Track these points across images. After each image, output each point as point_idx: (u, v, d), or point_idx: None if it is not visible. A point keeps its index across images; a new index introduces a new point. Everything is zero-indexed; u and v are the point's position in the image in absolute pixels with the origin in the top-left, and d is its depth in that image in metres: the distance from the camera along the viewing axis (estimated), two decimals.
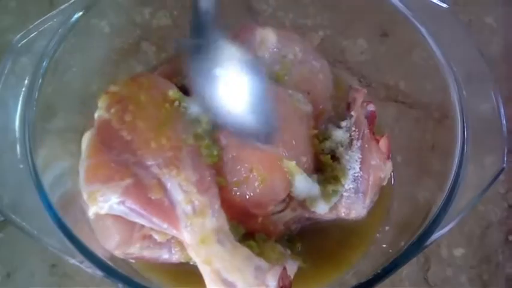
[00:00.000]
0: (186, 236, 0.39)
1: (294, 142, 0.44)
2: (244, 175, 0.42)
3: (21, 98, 0.43)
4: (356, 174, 0.45)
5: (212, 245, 0.39)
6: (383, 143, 0.48)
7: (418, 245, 0.38)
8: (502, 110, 0.43)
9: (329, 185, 0.44)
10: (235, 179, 0.42)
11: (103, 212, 0.40)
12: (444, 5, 0.46)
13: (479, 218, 0.55)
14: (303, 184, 0.43)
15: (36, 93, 0.43)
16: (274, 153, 0.43)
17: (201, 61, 0.41)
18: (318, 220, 0.46)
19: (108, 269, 0.38)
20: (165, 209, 0.39)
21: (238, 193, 0.42)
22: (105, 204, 0.39)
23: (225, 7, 0.58)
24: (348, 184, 0.44)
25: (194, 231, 0.39)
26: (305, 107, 0.46)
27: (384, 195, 0.48)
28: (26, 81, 0.43)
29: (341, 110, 0.51)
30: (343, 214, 0.45)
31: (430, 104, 0.53)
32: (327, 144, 0.46)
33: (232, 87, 0.41)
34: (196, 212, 0.39)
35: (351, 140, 0.46)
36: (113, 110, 0.42)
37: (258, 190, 0.42)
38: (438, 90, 0.49)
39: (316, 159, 0.46)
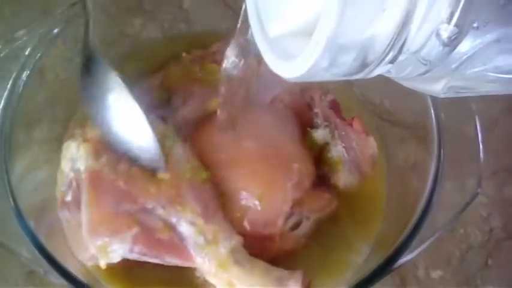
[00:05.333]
0: (203, 266, 0.40)
1: (276, 151, 0.44)
2: (243, 199, 0.42)
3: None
4: (347, 165, 0.46)
5: (231, 268, 0.40)
6: (356, 123, 0.49)
7: (384, 267, 0.38)
8: (479, 134, 0.43)
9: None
10: (237, 207, 0.42)
11: (115, 261, 0.40)
12: None
13: (459, 240, 0.54)
14: None
15: (15, 103, 0.43)
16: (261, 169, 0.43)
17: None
18: None
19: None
20: (177, 246, 0.40)
21: (245, 219, 0.42)
22: (115, 254, 0.40)
23: None
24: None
25: (211, 259, 0.40)
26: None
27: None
28: (6, 92, 0.43)
29: None
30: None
31: (415, 123, 0.53)
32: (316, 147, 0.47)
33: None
34: (209, 240, 0.40)
35: (333, 133, 0.47)
36: (103, 160, 0.41)
37: (259, 208, 0.42)
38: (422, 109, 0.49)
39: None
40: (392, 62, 0.23)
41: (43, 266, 0.38)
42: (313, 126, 0.47)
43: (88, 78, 0.40)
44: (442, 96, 0.26)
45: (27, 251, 0.39)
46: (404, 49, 0.22)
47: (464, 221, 0.55)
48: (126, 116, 0.40)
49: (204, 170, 0.42)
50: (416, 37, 0.21)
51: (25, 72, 0.44)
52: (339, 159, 0.46)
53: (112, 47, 0.58)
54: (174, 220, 0.40)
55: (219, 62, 0.48)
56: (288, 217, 0.44)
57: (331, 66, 0.22)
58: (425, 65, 0.23)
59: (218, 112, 0.43)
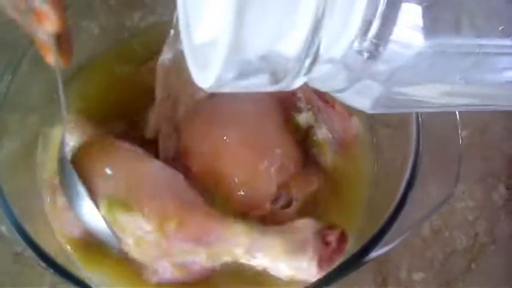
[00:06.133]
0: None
1: (259, 139, 0.46)
2: (229, 186, 0.44)
3: None
4: (332, 146, 0.48)
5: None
6: (338, 105, 0.50)
7: (355, 260, 0.38)
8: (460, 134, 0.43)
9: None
10: (224, 194, 0.44)
11: None
12: None
13: (443, 244, 0.54)
14: None
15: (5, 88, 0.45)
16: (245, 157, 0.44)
17: None
18: None
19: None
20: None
21: (234, 205, 0.44)
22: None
23: None
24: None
25: None
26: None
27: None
28: None
29: None
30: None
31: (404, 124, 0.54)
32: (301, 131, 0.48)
33: None
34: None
35: (316, 116, 0.48)
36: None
37: (243, 193, 0.44)
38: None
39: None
40: (306, 74, 0.21)
41: (21, 244, 0.39)
42: (297, 110, 0.48)
43: (62, 177, 0.43)
44: (370, 112, 0.23)
45: (6, 230, 0.40)
46: (318, 62, 0.20)
47: (450, 225, 0.55)
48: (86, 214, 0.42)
49: (171, 219, 0.41)
50: (332, 47, 0.20)
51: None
52: (324, 141, 0.47)
53: (111, 36, 0.59)
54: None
55: None
56: (275, 199, 0.45)
57: (240, 78, 0.21)
58: (349, 77, 0.21)
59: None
